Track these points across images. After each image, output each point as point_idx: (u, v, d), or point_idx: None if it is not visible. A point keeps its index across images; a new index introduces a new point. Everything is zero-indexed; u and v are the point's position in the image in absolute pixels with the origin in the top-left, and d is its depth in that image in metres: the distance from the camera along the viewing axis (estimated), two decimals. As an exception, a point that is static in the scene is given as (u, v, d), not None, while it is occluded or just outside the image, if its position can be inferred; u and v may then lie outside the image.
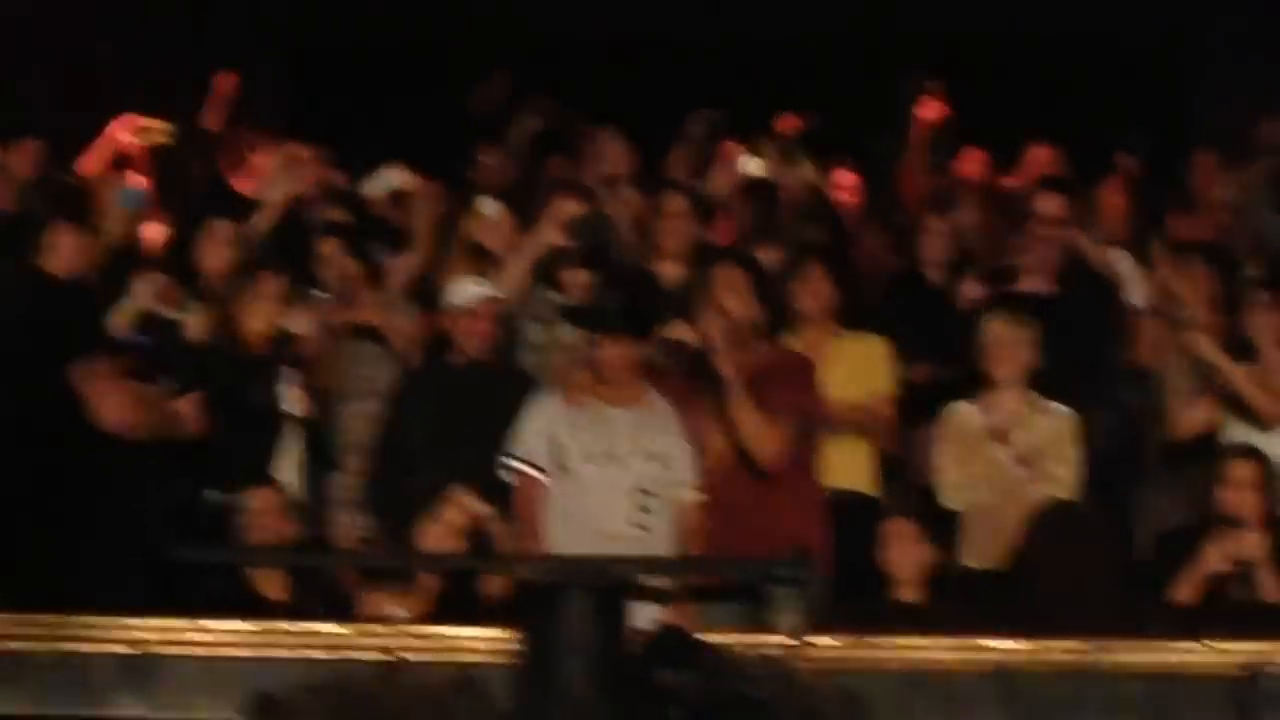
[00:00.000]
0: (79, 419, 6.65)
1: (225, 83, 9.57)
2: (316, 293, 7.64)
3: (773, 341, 7.35)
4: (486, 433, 7.17)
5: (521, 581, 5.97)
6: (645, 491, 6.90)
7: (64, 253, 6.81)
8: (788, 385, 7.09)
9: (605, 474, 6.91)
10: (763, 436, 6.98)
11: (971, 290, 8.17)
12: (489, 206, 8.37)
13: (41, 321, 6.73)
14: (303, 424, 7.47)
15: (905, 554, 7.02)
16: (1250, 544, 6.92)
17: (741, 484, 7.06)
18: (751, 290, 7.21)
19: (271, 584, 6.88)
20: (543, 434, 6.99)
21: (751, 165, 8.92)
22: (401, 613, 6.89)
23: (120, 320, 7.52)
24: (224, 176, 9.16)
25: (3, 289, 6.91)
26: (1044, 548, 6.74)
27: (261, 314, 7.41)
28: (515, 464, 7.02)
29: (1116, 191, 9.21)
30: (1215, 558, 6.94)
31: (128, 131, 8.82)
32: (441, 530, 6.91)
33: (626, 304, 7.18)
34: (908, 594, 7.01)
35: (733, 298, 7.17)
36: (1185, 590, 6.93)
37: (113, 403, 6.75)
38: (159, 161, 8.75)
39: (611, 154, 9.38)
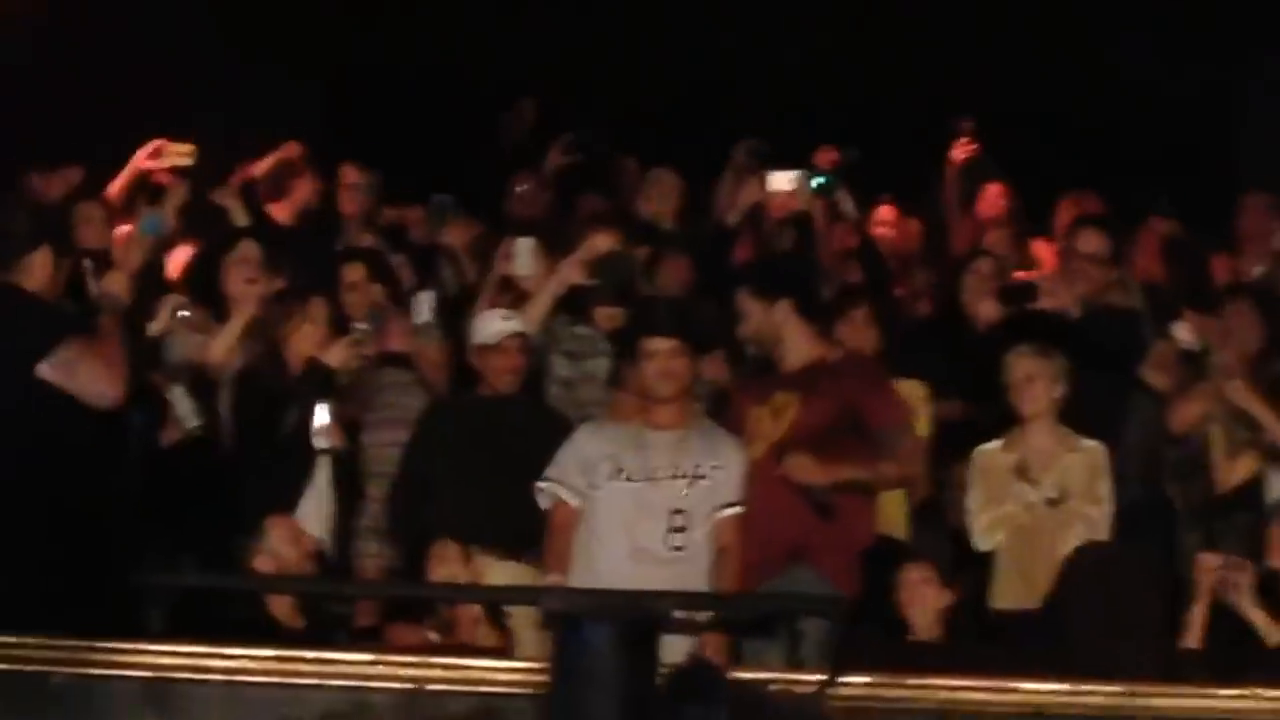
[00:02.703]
0: (97, 441, 6.59)
1: (291, 150, 9.48)
2: (357, 325, 7.61)
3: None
4: (509, 466, 7.12)
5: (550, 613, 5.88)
6: (679, 511, 6.81)
7: (39, 274, 6.74)
8: (878, 398, 7.03)
9: (640, 494, 6.83)
10: (905, 475, 7.07)
11: (988, 310, 8.08)
12: (524, 244, 8.29)
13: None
14: (333, 454, 7.42)
15: (922, 599, 6.97)
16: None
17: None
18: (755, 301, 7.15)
19: (286, 611, 6.81)
20: (579, 457, 6.92)
21: (781, 182, 8.83)
22: (430, 638, 6.83)
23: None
24: (261, 205, 9.13)
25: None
26: (1081, 588, 6.66)
27: (309, 340, 7.38)
28: (546, 485, 6.95)
29: (1150, 251, 9.15)
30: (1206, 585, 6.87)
31: (152, 156, 8.81)
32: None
33: (672, 307, 7.09)
34: (925, 638, 6.95)
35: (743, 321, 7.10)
36: (1191, 635, 6.85)
37: (102, 377, 6.68)
38: (187, 185, 8.72)
39: (662, 188, 9.34)
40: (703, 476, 6.86)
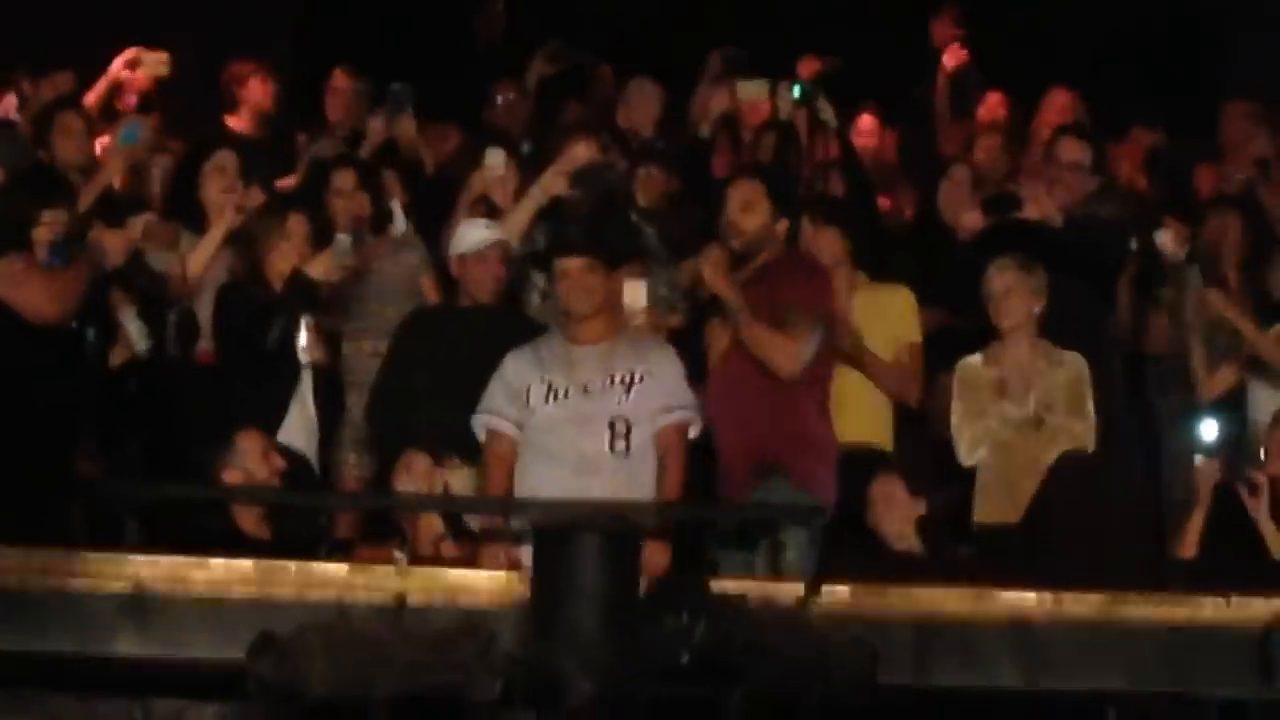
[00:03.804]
0: (40, 351, 6.59)
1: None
2: (341, 236, 7.55)
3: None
4: (488, 376, 7.06)
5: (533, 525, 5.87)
6: (620, 418, 6.73)
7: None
8: (799, 285, 7.01)
9: (577, 408, 6.76)
10: (779, 350, 6.91)
11: (971, 220, 8.04)
12: (495, 158, 8.22)
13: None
14: (316, 367, 7.39)
15: (893, 511, 6.96)
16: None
17: (752, 389, 6.97)
18: (768, 202, 7.15)
19: (252, 523, 6.81)
20: (509, 386, 6.86)
21: (750, 91, 8.77)
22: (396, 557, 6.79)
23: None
24: (218, 115, 9.05)
25: None
26: (1062, 500, 6.66)
27: (288, 255, 7.34)
28: (481, 419, 6.89)
29: (1133, 161, 9.12)
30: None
31: (128, 66, 8.72)
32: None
33: (585, 225, 7.04)
34: (899, 548, 6.94)
35: (747, 213, 7.10)
36: (1188, 544, 6.86)
37: (34, 295, 6.77)
38: (162, 93, 8.65)
39: (642, 99, 9.27)
40: (638, 380, 6.79)
